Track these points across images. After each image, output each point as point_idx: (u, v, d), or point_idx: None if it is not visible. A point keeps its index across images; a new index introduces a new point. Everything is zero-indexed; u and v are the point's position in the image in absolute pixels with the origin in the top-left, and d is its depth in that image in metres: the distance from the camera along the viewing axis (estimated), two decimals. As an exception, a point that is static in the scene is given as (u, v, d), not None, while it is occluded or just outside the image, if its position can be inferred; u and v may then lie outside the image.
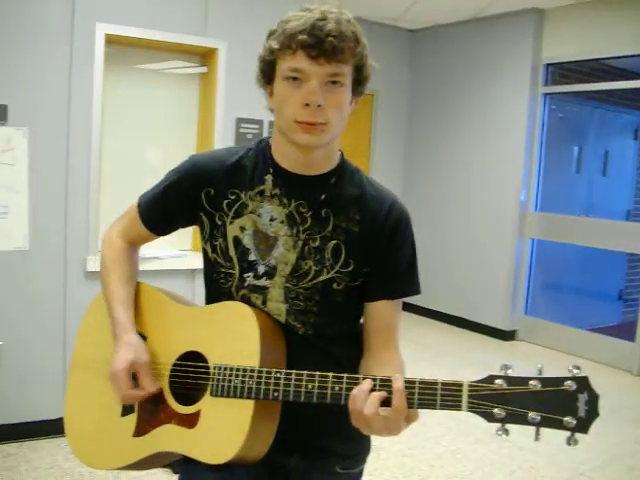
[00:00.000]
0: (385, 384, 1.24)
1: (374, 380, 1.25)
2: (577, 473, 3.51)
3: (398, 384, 1.21)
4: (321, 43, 1.27)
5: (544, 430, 1.16)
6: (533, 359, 5.72)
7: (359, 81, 1.39)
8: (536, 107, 6.16)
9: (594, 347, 5.76)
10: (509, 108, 6.25)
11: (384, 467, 3.46)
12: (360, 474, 1.60)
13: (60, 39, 3.31)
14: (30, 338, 3.41)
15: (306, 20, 1.29)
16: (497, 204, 6.33)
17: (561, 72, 6.24)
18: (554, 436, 1.15)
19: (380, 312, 1.47)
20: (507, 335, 6.31)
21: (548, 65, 6.14)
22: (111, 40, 3.46)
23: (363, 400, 1.22)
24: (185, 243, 3.94)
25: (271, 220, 1.44)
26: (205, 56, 3.89)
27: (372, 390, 1.23)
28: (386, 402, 1.22)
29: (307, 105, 1.30)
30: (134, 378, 1.42)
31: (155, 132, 3.86)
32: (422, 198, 6.84)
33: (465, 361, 5.56)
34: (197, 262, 3.67)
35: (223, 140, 3.77)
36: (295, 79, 1.31)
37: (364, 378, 1.26)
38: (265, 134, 3.91)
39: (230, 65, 3.77)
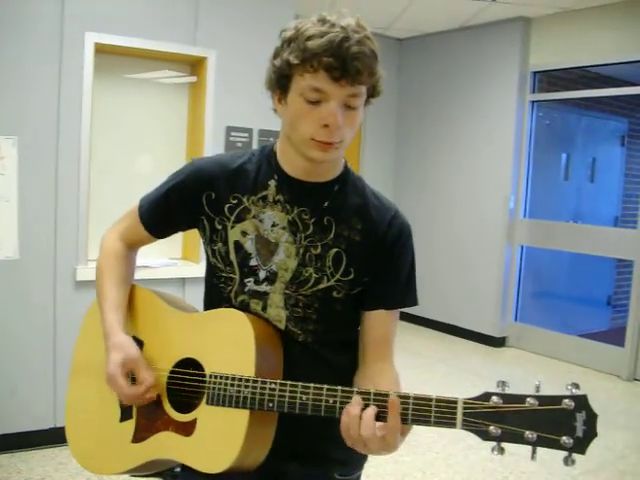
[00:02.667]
0: (378, 399, 1.23)
1: (367, 397, 1.24)
2: (569, 478, 3.52)
3: (394, 402, 1.20)
4: (345, 65, 1.26)
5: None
6: (523, 365, 5.74)
7: (372, 95, 1.40)
8: (524, 114, 6.19)
9: (584, 353, 5.78)
10: (497, 116, 6.29)
11: (376, 474, 3.46)
12: None
13: (49, 48, 3.31)
14: (20, 348, 3.38)
15: (330, 40, 1.25)
16: (486, 211, 6.36)
17: (548, 80, 6.28)
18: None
19: (377, 322, 1.47)
20: (497, 342, 6.33)
21: (535, 73, 6.18)
22: (100, 49, 3.46)
23: (357, 425, 1.22)
24: (175, 252, 3.94)
25: (273, 226, 1.44)
26: (195, 65, 3.89)
27: (364, 408, 1.23)
28: (378, 416, 1.22)
29: (326, 126, 1.30)
30: (133, 378, 1.42)
31: (145, 141, 3.86)
32: (410, 206, 6.84)
33: (456, 368, 5.57)
34: (187, 271, 3.72)
35: (213, 149, 3.77)
36: (314, 100, 1.30)
37: (357, 392, 1.25)
38: (255, 142, 3.91)
39: (219, 74, 3.78)
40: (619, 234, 5.96)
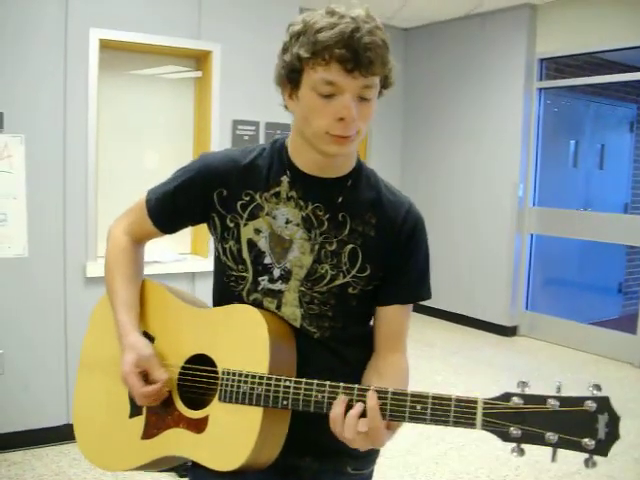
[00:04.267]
0: (362, 394, 1.23)
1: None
2: (583, 466, 3.49)
3: (371, 402, 1.20)
4: (358, 56, 1.23)
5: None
6: (535, 354, 5.72)
7: (385, 86, 1.37)
8: (531, 102, 6.16)
9: (596, 340, 5.76)
10: (504, 104, 6.25)
11: (389, 466, 3.46)
12: (370, 475, 1.59)
13: (54, 45, 3.31)
14: (32, 345, 3.40)
15: (341, 31, 1.23)
16: (495, 200, 6.33)
17: (555, 67, 6.24)
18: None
19: (391, 317, 1.46)
20: (509, 331, 6.31)
21: (542, 60, 6.14)
22: (105, 45, 3.46)
23: (341, 423, 1.22)
24: (185, 247, 3.94)
25: (287, 223, 1.42)
26: (199, 59, 3.88)
27: (349, 405, 1.23)
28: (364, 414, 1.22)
29: (341, 119, 1.28)
30: (146, 378, 1.41)
31: (152, 137, 3.86)
32: (419, 197, 6.78)
33: (469, 359, 5.55)
34: (197, 265, 3.73)
35: (220, 142, 3.77)
36: (328, 94, 1.28)
37: (359, 389, 1.25)
38: (261, 135, 3.91)
39: (225, 67, 3.77)
40: (629, 221, 5.93)
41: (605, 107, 7.31)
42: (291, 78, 1.33)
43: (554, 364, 5.34)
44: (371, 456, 1.56)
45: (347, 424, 1.21)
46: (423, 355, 5.48)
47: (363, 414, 1.22)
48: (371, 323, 1.52)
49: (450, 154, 6.79)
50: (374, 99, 1.33)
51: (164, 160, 3.84)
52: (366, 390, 1.24)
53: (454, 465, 3.57)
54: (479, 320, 6.52)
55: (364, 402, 1.23)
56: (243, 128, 3.86)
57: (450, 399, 1.17)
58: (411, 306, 1.49)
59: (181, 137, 3.93)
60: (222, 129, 3.81)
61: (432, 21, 6.79)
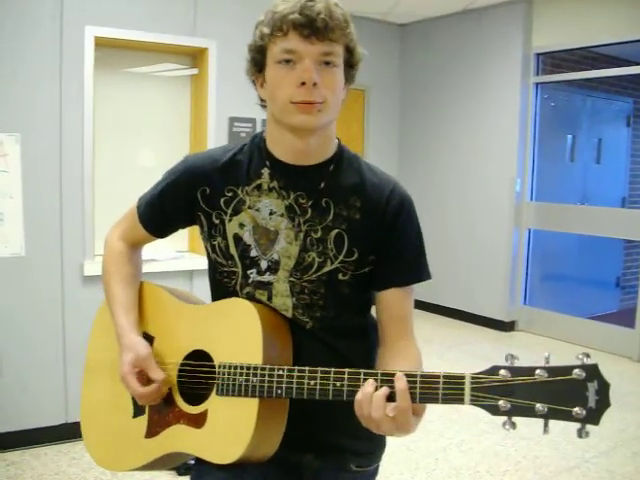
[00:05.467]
0: (386, 379, 1.20)
1: (375, 378, 1.21)
2: (582, 461, 3.51)
3: (401, 384, 1.18)
4: (312, 22, 1.26)
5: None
6: (534, 349, 5.72)
7: (351, 64, 1.38)
8: (528, 97, 6.16)
9: (594, 335, 5.77)
10: (501, 99, 6.25)
11: (389, 462, 3.46)
12: (375, 472, 1.58)
13: (50, 43, 3.29)
14: (30, 344, 3.39)
15: (295, 3, 1.28)
16: (492, 195, 6.33)
17: (552, 61, 6.24)
18: (557, 425, 1.11)
19: (391, 301, 1.44)
20: (507, 326, 6.32)
21: (539, 55, 6.14)
22: (101, 43, 3.44)
23: (368, 403, 1.20)
24: (182, 244, 3.94)
25: (271, 214, 1.42)
26: (195, 57, 3.87)
27: (376, 389, 1.20)
28: (390, 397, 1.19)
29: (303, 84, 1.28)
30: (145, 377, 1.42)
31: (148, 134, 3.85)
32: (417, 192, 6.77)
33: (466, 354, 5.56)
34: (195, 263, 3.72)
35: (216, 140, 3.75)
36: (288, 61, 1.30)
37: (365, 374, 1.23)
38: (259, 131, 3.89)
39: (220, 64, 3.76)
40: (627, 215, 5.94)
41: (602, 101, 7.31)
42: (257, 60, 1.38)
43: (552, 359, 5.32)
44: (374, 453, 1.56)
45: (375, 404, 1.19)
46: (421, 350, 5.46)
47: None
48: (373, 314, 1.51)
49: (447, 150, 6.79)
50: (338, 70, 1.34)
51: (160, 158, 3.82)
52: (358, 374, 1.23)
53: (454, 461, 3.57)
54: (477, 315, 6.52)
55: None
56: (240, 125, 3.85)
57: (438, 376, 1.16)
58: (412, 290, 1.46)
59: (177, 135, 3.92)
60: (218, 126, 3.80)
61: (428, 17, 6.77)
